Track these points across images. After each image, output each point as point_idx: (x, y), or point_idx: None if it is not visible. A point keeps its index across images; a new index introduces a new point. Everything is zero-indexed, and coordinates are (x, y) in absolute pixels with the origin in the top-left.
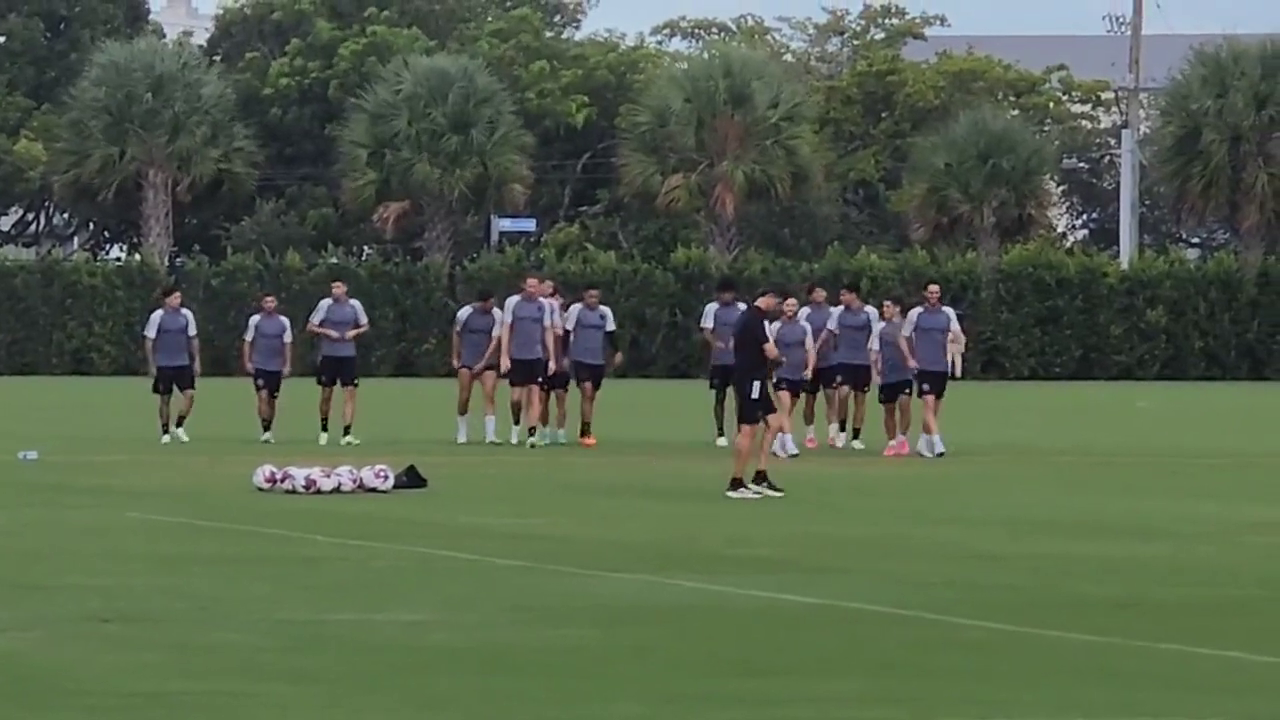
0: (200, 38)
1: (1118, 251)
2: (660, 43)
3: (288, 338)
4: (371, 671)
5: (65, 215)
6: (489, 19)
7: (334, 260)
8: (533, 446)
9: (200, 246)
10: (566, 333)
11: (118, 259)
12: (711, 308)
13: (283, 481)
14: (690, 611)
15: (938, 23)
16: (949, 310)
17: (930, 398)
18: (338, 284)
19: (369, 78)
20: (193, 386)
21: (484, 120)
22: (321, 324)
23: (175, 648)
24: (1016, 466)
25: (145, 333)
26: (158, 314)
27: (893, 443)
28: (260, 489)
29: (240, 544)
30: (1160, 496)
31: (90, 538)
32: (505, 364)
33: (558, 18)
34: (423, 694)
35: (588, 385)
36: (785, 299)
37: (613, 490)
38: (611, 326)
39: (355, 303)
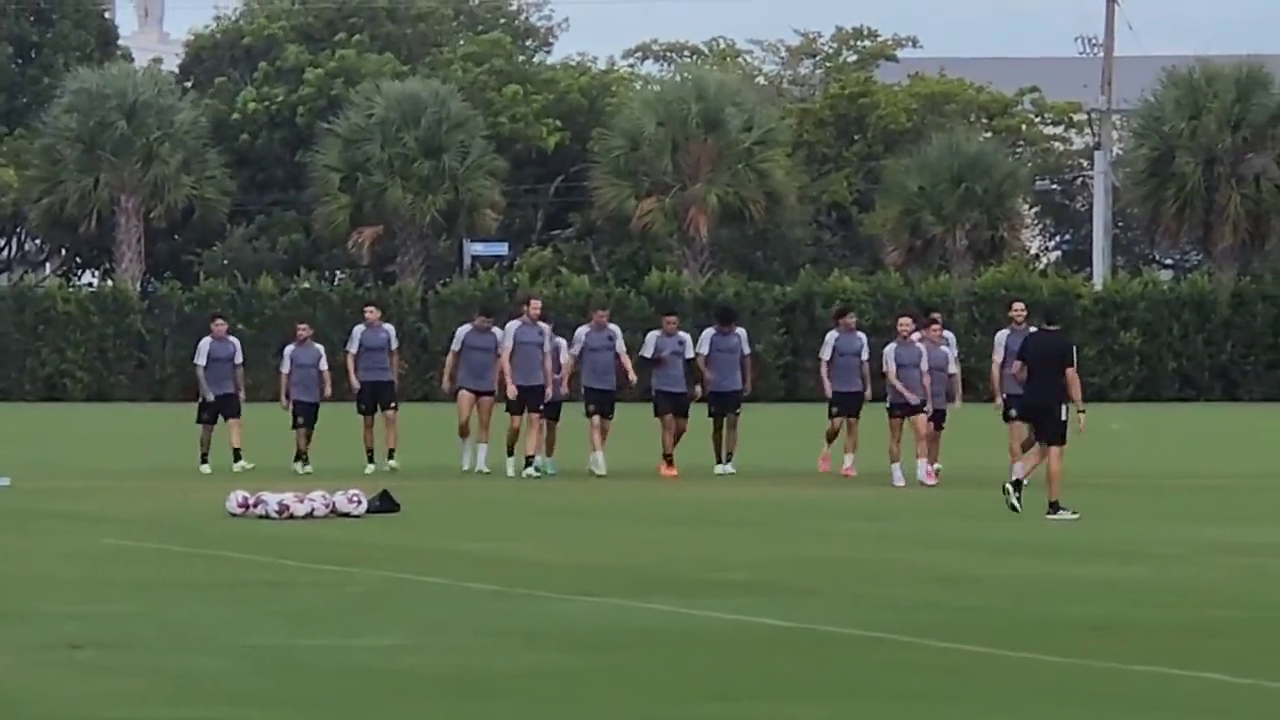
0: (171, 63)
1: (1091, 273)
2: (632, 66)
3: (324, 365)
4: (345, 697)
5: (37, 241)
6: (460, 43)
7: (306, 285)
8: (528, 477)
9: (172, 272)
10: (646, 360)
11: (90, 285)
12: (708, 334)
13: (256, 507)
14: (665, 635)
15: (910, 45)
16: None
17: (1017, 423)
18: (370, 309)
19: (339, 102)
20: (239, 415)
21: (456, 145)
22: (359, 351)
23: (149, 674)
24: (992, 489)
25: (196, 360)
26: (206, 341)
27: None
28: (233, 514)
29: (214, 569)
30: (1136, 518)
31: (64, 563)
32: (512, 391)
33: (529, 41)
34: (397, 719)
35: (669, 417)
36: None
37: (586, 514)
38: (691, 354)
39: (389, 327)
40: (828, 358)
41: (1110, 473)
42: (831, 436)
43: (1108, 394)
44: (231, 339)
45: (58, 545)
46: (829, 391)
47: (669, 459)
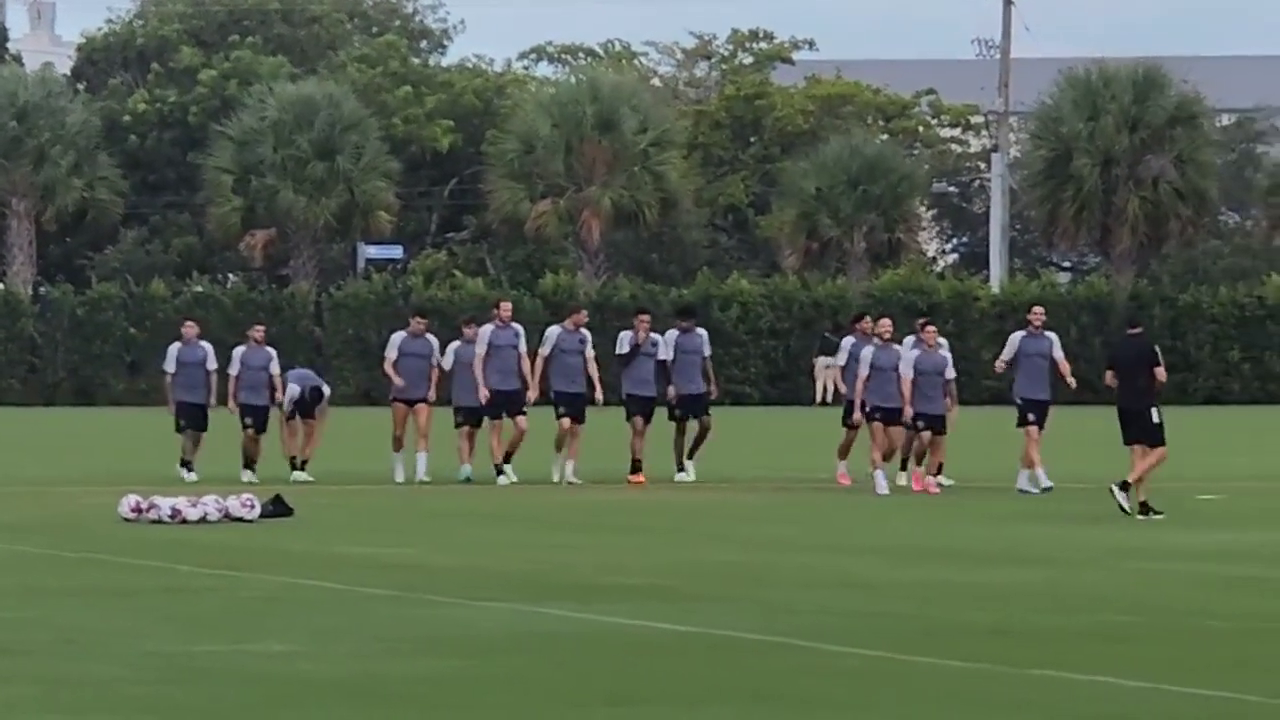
0: (63, 66)
1: (988, 275)
2: (527, 68)
3: (274, 369)
4: (242, 703)
5: None
6: (355, 45)
7: (199, 288)
8: (509, 483)
9: (64, 275)
10: (621, 357)
11: None
12: (671, 335)
13: (148, 511)
14: (562, 640)
15: (806, 47)
16: (1052, 335)
17: (1033, 428)
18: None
19: (232, 104)
20: (204, 428)
21: (350, 147)
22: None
23: (43, 681)
24: (892, 494)
25: (164, 367)
26: (175, 347)
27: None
28: (126, 519)
29: (107, 575)
30: (1036, 522)
31: None
32: (484, 394)
33: (424, 43)
34: None
35: (639, 420)
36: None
37: (483, 519)
38: (663, 355)
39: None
40: (843, 364)
41: (1010, 477)
42: (889, 454)
43: (1005, 397)
44: (203, 343)
45: None
46: (857, 399)
47: (636, 465)
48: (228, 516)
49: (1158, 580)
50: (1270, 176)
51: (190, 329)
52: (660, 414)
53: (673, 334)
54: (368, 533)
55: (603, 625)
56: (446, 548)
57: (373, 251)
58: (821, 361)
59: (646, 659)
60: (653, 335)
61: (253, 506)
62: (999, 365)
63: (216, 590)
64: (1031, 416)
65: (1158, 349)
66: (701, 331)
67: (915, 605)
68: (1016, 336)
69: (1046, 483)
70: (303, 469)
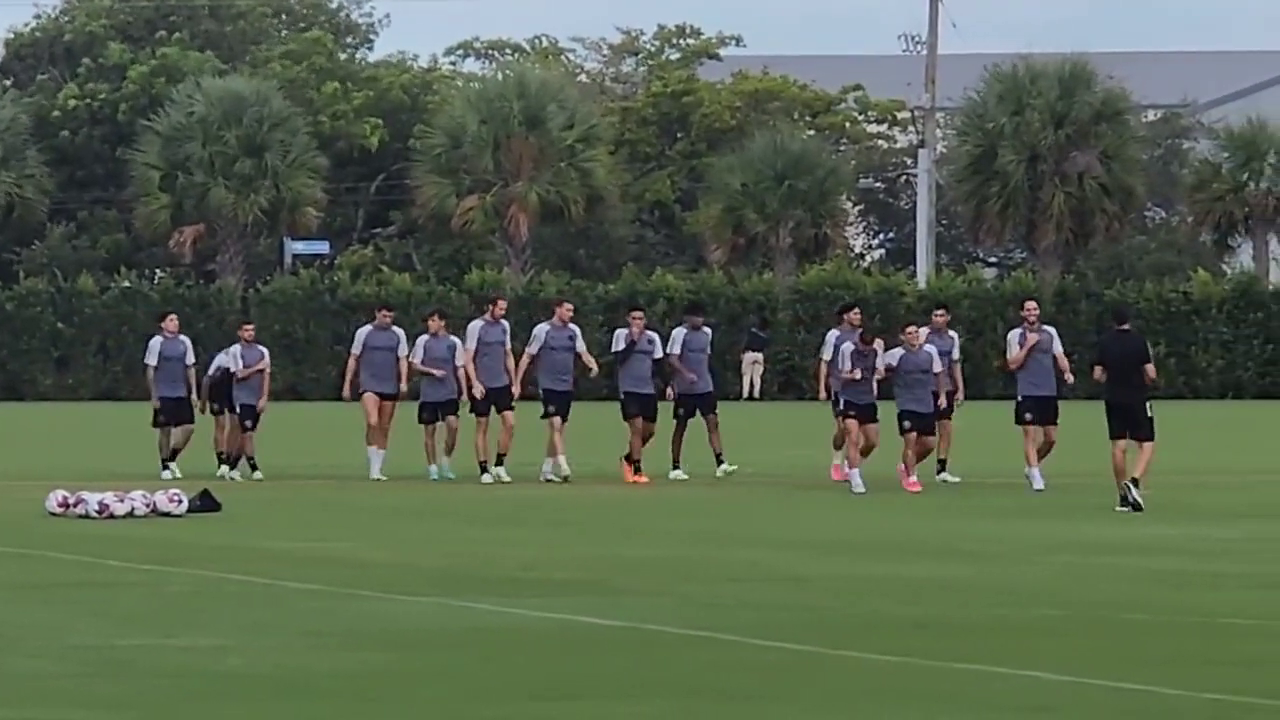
0: None
1: (915, 271)
2: (454, 63)
3: (265, 364)
4: (167, 698)
5: None
6: (281, 40)
7: (127, 284)
8: (497, 479)
9: None
10: (617, 354)
11: None
12: (679, 333)
13: (75, 506)
14: (487, 634)
15: (733, 43)
16: (1051, 329)
17: (1051, 428)
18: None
19: (160, 100)
20: (191, 420)
21: (277, 143)
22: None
23: None
24: (817, 489)
25: (146, 361)
26: (157, 340)
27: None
28: (53, 514)
29: (32, 569)
30: (960, 517)
31: None
32: (479, 390)
33: (350, 39)
34: (219, 719)
35: (638, 420)
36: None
37: (408, 514)
38: (660, 353)
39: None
40: (829, 358)
41: (934, 471)
42: (840, 443)
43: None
44: (182, 337)
45: None
46: (825, 393)
47: (637, 465)
48: (155, 511)
49: (1083, 574)
50: (1196, 172)
51: (171, 323)
52: (663, 411)
53: (680, 332)
54: (295, 527)
55: (529, 620)
56: (374, 543)
57: (299, 247)
58: (748, 357)
59: (572, 653)
60: (648, 333)
61: (180, 501)
62: (1011, 365)
63: (143, 585)
64: (1029, 415)
65: (1149, 346)
66: (707, 329)
67: (842, 599)
68: (1015, 334)
69: (1039, 484)
70: (233, 467)
